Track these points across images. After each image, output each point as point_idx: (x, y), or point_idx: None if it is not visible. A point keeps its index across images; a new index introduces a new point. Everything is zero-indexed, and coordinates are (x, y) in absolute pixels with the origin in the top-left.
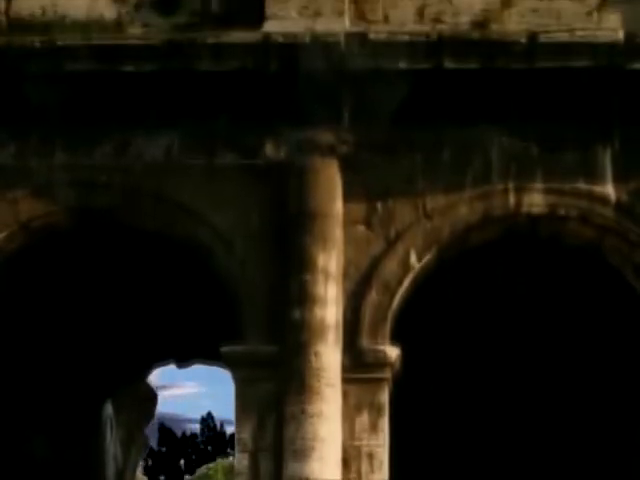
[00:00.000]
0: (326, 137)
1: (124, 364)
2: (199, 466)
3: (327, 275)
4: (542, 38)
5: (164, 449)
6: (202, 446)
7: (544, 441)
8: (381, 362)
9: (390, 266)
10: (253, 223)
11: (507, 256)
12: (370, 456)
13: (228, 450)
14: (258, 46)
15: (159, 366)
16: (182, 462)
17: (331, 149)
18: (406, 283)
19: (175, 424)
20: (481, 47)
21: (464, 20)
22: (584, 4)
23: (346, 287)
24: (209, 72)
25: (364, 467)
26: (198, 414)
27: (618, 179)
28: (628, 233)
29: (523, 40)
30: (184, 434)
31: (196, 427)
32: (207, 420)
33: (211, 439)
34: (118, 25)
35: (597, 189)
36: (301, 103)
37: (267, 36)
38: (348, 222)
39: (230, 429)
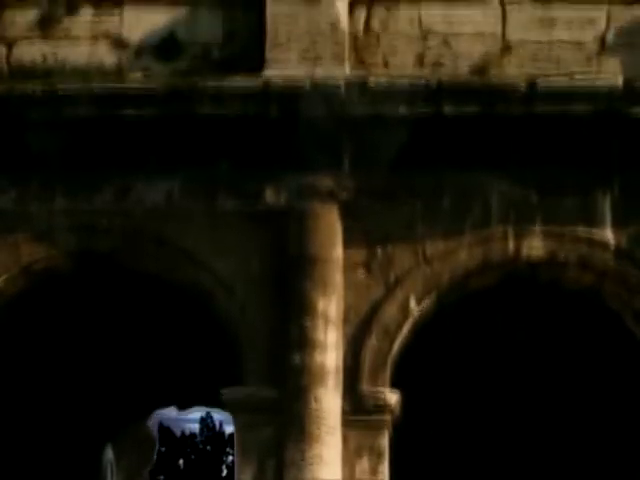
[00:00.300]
0: (326, 183)
1: (125, 408)
2: (198, 466)
3: (327, 320)
4: (541, 84)
5: (163, 449)
6: (201, 446)
7: None
8: (381, 407)
9: (390, 311)
10: (253, 268)
11: (507, 301)
12: None
13: (227, 449)
14: (258, 92)
15: (160, 410)
16: (181, 462)
17: (331, 195)
18: (406, 328)
19: (174, 423)
20: (480, 93)
21: (463, 65)
22: (583, 50)
23: (346, 332)
24: (209, 117)
25: None
26: (197, 414)
27: (618, 224)
28: (628, 278)
29: (522, 86)
30: (183, 434)
31: (195, 427)
32: (206, 420)
33: (210, 439)
34: (118, 71)
35: (597, 234)
36: (301, 149)
37: (267, 82)
38: (348, 267)
39: (229, 429)
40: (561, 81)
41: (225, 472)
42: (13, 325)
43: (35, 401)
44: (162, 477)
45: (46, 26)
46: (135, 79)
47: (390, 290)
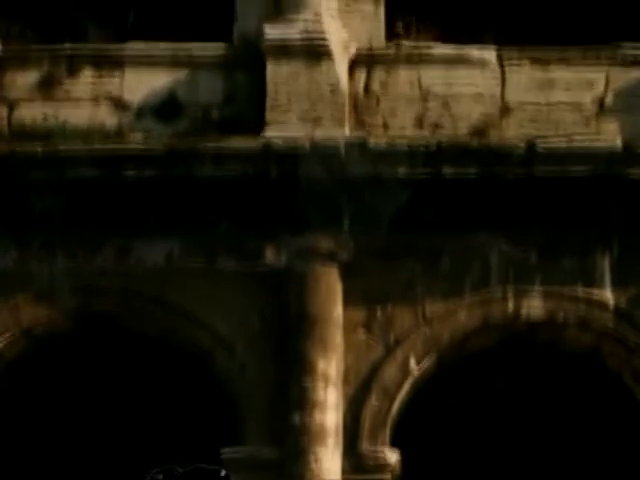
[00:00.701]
0: (326, 243)
1: (124, 468)
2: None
3: (327, 380)
4: (540, 145)
5: None
6: None
7: None
8: (381, 466)
9: (389, 371)
10: (253, 327)
11: (506, 361)
12: None
13: None
14: (258, 153)
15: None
16: None
17: (331, 255)
18: (405, 388)
19: None
20: (480, 155)
21: (463, 127)
22: (582, 112)
23: (346, 392)
24: (210, 178)
25: None
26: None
27: (617, 285)
28: (627, 338)
29: (522, 147)
30: None
31: None
32: None
33: None
34: (119, 132)
35: (596, 295)
36: (301, 209)
37: (267, 143)
38: (348, 327)
39: None
40: (560, 143)
41: None
42: (14, 387)
43: (36, 463)
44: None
45: (47, 87)
46: (136, 140)
47: (390, 350)
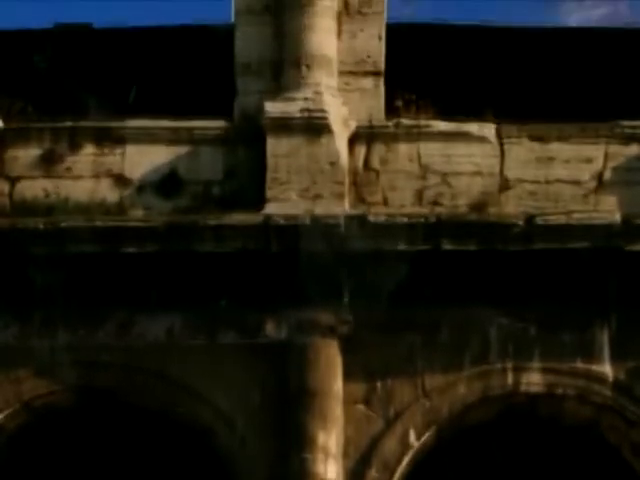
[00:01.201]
0: (326, 317)
1: None
2: None
3: (327, 453)
4: (539, 220)
5: None
6: None
7: None
8: None
9: (389, 445)
10: (254, 401)
11: (505, 434)
12: None
13: None
14: (259, 228)
15: None
16: None
17: (331, 329)
18: (405, 461)
19: None
20: (479, 229)
21: (462, 203)
22: (581, 187)
23: (346, 465)
24: (210, 253)
25: None
26: None
27: (616, 358)
28: (625, 412)
29: (520, 222)
30: None
31: None
32: None
33: None
34: (120, 208)
35: (595, 368)
36: (301, 283)
37: (268, 218)
38: (348, 400)
39: None
40: (559, 218)
41: None
42: (14, 460)
43: None
44: None
45: (49, 163)
46: (137, 216)
47: (390, 424)
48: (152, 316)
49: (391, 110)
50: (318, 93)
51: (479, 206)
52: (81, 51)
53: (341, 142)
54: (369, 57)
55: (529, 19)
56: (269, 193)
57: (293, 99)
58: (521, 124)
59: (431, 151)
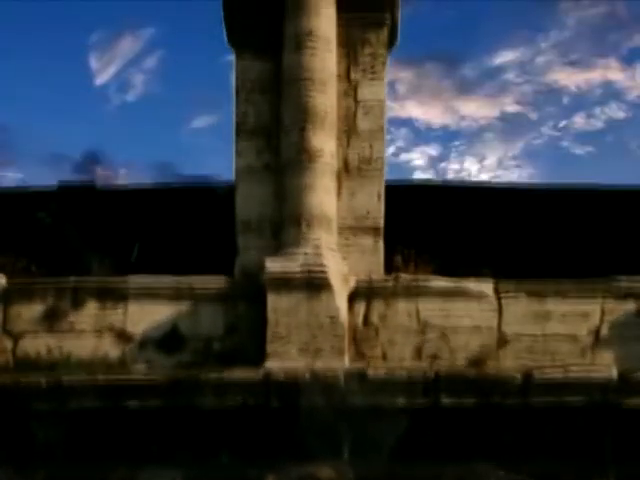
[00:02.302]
0: (326, 472)
1: None
2: None
3: None
4: (537, 375)
5: None
6: None
7: None
8: None
9: None
10: None
11: None
12: None
13: None
14: (259, 384)
15: None
16: None
17: None
18: None
19: None
20: (477, 384)
21: (461, 358)
22: (578, 343)
23: None
24: (211, 409)
25: None
26: None
27: None
28: None
29: (518, 378)
30: None
31: None
32: None
33: None
34: (122, 363)
35: None
36: (302, 437)
37: (268, 373)
38: None
39: None
40: (556, 373)
41: None
42: None
43: None
44: None
45: (52, 320)
46: (138, 371)
47: None
48: (154, 471)
49: (390, 266)
50: (318, 250)
51: (477, 361)
52: (84, 210)
53: (341, 298)
54: (368, 214)
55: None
56: (269, 348)
57: (293, 256)
58: (519, 281)
59: (430, 307)
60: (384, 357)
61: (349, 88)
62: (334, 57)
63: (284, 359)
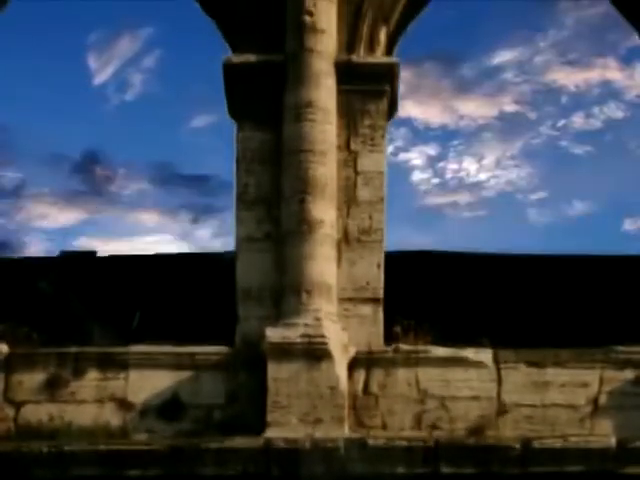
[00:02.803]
0: None
1: None
2: None
3: None
4: (536, 444)
5: None
6: None
7: None
8: None
9: None
10: None
11: None
12: None
13: None
14: (260, 452)
15: None
16: None
17: None
18: None
19: None
20: (476, 453)
21: (460, 426)
22: (577, 412)
23: None
24: (212, 477)
25: None
26: None
27: None
28: None
29: (517, 446)
30: None
31: None
32: None
33: None
34: (123, 431)
35: None
36: None
37: (268, 442)
38: None
39: None
40: (555, 442)
41: None
42: None
43: None
44: None
45: (53, 388)
46: (140, 440)
47: None
48: None
49: (390, 335)
50: (318, 319)
51: (477, 430)
52: (86, 278)
53: (341, 367)
54: (368, 285)
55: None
56: (270, 417)
57: (293, 325)
58: (518, 350)
59: (429, 376)
60: (384, 426)
61: (349, 158)
62: (334, 128)
63: (284, 428)
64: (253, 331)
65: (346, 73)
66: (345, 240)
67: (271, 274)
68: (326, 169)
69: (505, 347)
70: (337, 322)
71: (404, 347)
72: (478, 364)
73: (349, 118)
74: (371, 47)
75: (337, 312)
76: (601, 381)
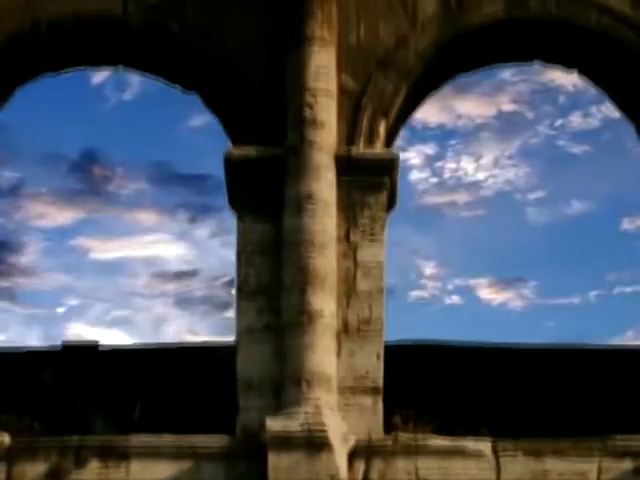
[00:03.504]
0: None
1: None
2: None
3: None
4: None
5: None
6: None
7: None
8: None
9: None
10: None
11: None
12: None
13: None
14: None
15: None
16: None
17: None
18: None
19: None
20: None
21: None
22: None
23: None
24: None
25: None
26: None
27: None
28: None
29: None
30: None
31: None
32: None
33: None
34: None
35: None
36: None
37: None
38: None
39: None
40: None
41: None
42: None
43: None
44: None
45: (55, 478)
46: None
47: None
48: None
49: (389, 425)
50: (318, 409)
51: None
52: (87, 369)
53: (341, 457)
54: (368, 374)
55: None
56: None
57: (293, 415)
58: (516, 439)
59: (429, 466)
60: None
61: (349, 249)
62: (334, 220)
63: None
64: (253, 421)
65: (346, 166)
66: (345, 330)
67: (271, 365)
68: (326, 260)
69: (504, 437)
70: (337, 412)
71: (403, 437)
72: (477, 454)
73: (349, 210)
74: (370, 140)
75: (337, 402)
76: (599, 471)
